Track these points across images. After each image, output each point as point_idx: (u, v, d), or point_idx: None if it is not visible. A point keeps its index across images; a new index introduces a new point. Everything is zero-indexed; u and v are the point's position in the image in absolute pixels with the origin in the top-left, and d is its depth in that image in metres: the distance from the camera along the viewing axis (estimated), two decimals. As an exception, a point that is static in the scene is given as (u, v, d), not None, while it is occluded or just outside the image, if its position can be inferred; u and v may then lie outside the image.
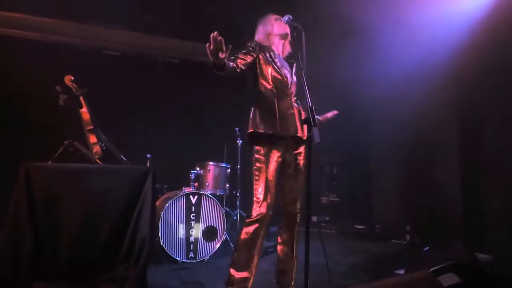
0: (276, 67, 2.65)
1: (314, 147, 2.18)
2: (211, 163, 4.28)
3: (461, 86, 4.29)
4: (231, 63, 2.36)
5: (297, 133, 2.63)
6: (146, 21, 5.15)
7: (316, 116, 2.26)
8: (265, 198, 2.50)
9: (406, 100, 4.67)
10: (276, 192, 2.59)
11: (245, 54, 2.56)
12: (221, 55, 2.16)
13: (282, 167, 2.64)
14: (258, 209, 2.48)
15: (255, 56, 2.61)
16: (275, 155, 2.56)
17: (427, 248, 3.85)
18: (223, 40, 2.14)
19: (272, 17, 2.80)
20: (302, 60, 2.55)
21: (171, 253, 3.62)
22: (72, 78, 3.27)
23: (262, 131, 2.55)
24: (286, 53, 2.86)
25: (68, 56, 4.78)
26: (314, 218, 5.85)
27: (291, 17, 2.59)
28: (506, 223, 3.56)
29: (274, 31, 2.77)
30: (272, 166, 2.54)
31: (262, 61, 2.64)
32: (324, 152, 6.11)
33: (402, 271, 3.25)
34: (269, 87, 2.63)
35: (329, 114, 2.91)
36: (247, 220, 2.52)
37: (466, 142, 4.30)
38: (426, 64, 4.27)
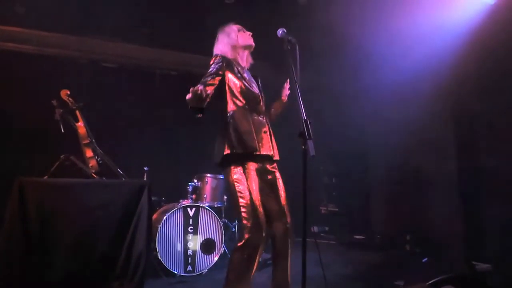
0: (245, 83, 2.56)
1: (309, 158, 2.16)
2: (208, 175, 4.27)
3: (457, 95, 4.30)
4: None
5: (271, 153, 2.54)
6: (144, 34, 5.18)
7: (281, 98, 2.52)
8: (255, 221, 2.35)
9: (403, 108, 4.69)
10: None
11: (213, 77, 2.46)
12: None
13: (261, 186, 2.53)
14: (250, 234, 2.33)
15: (221, 74, 2.50)
16: (254, 174, 2.45)
17: (426, 259, 3.82)
18: (204, 93, 2.25)
19: (235, 26, 2.70)
20: (296, 73, 2.56)
21: (168, 266, 3.58)
22: (68, 92, 3.27)
23: (241, 151, 2.41)
24: (248, 65, 2.75)
25: (65, 69, 4.80)
26: (315, 229, 5.84)
27: (285, 31, 2.59)
28: (505, 231, 3.55)
29: (239, 42, 2.66)
30: (254, 184, 2.43)
31: (230, 78, 2.52)
32: (322, 162, 6.10)
33: (402, 283, 3.22)
34: (241, 104, 2.51)
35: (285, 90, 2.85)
36: (239, 244, 2.35)
37: (464, 150, 4.30)
38: (421, 74, 4.29)
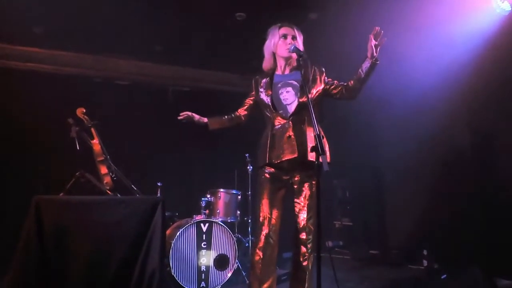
0: (263, 94, 2.74)
1: (323, 173, 2.15)
2: (221, 190, 4.27)
3: (471, 107, 4.25)
4: (232, 114, 2.90)
5: (297, 157, 2.54)
6: (157, 51, 5.27)
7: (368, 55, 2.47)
8: (257, 225, 2.65)
9: (417, 121, 4.64)
10: (281, 216, 2.65)
11: (247, 98, 2.90)
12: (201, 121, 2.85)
13: (286, 192, 2.70)
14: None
15: (251, 96, 2.86)
16: (268, 181, 2.66)
17: (445, 276, 3.72)
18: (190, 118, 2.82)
19: (278, 31, 2.71)
20: (308, 88, 2.57)
21: (182, 282, 3.56)
22: (84, 110, 3.33)
23: (261, 165, 2.71)
24: (293, 65, 2.74)
25: (80, 87, 4.90)
26: (329, 243, 5.76)
27: (296, 46, 2.61)
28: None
29: (277, 52, 2.73)
30: (266, 191, 2.65)
31: (256, 93, 2.81)
32: (335, 176, 6.05)
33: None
34: (267, 115, 2.74)
35: (369, 50, 2.49)
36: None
37: (482, 161, 4.22)
38: (437, 86, 4.25)
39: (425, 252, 4.66)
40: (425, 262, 4.64)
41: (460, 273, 3.53)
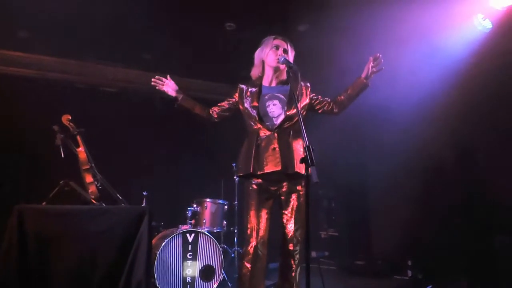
0: (248, 105, 2.69)
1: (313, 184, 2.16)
2: (208, 199, 4.23)
3: (455, 117, 4.34)
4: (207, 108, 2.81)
5: (282, 169, 2.54)
6: (144, 59, 5.23)
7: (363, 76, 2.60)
8: (245, 236, 2.62)
9: (403, 134, 4.70)
10: (269, 227, 2.61)
11: (225, 101, 2.84)
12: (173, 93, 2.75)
13: (274, 203, 2.67)
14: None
15: (231, 101, 2.81)
16: (254, 192, 2.63)
17: (431, 286, 3.75)
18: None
19: (272, 41, 2.74)
20: (298, 99, 2.60)
21: (167, 294, 3.51)
22: (70, 118, 3.26)
23: (241, 174, 2.68)
24: (281, 79, 2.76)
25: (65, 93, 4.83)
26: (314, 254, 5.75)
27: (287, 57, 2.64)
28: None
29: (267, 61, 2.73)
30: (253, 201, 2.61)
31: (240, 103, 2.75)
32: (321, 186, 6.07)
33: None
34: (252, 126, 2.67)
35: (365, 70, 2.65)
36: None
37: (465, 173, 4.30)
38: (422, 98, 4.32)
39: (409, 263, 4.71)
40: (409, 273, 4.68)
41: (445, 283, 3.57)
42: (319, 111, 2.80)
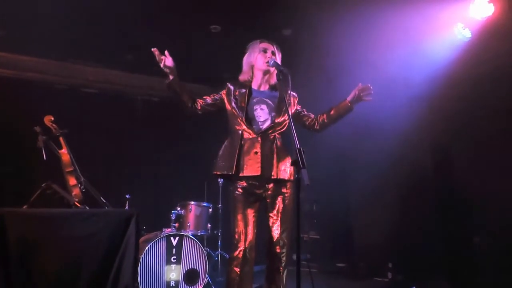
0: (236, 107, 2.67)
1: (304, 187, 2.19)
2: (192, 202, 4.19)
3: (434, 125, 4.46)
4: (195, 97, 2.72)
5: (264, 174, 2.55)
6: (126, 60, 5.16)
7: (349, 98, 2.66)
8: (232, 238, 2.59)
9: (383, 138, 4.79)
10: (256, 230, 2.59)
11: (211, 95, 2.77)
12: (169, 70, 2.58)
13: (260, 206, 2.66)
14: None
15: (217, 98, 2.76)
16: (239, 193, 2.61)
17: (414, 287, 3.84)
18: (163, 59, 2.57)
19: (259, 45, 2.75)
20: (289, 102, 2.62)
21: (150, 299, 3.45)
22: (52, 119, 3.17)
23: (219, 172, 2.68)
24: (270, 83, 2.77)
25: (44, 94, 4.70)
26: (294, 257, 5.77)
27: (276, 60, 2.65)
28: (488, 258, 3.63)
29: (257, 65, 2.73)
30: (238, 203, 2.59)
31: (227, 102, 2.71)
32: (302, 189, 6.09)
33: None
34: (236, 127, 2.65)
35: (352, 94, 2.72)
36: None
37: (443, 179, 4.42)
38: (401, 106, 4.42)
39: (390, 265, 4.79)
40: (390, 275, 4.76)
41: (426, 284, 3.65)
42: (302, 124, 2.85)
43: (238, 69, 2.85)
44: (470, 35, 3.89)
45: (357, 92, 2.70)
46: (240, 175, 2.57)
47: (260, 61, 2.71)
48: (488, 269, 3.67)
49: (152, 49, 2.57)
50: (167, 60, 2.60)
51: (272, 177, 2.57)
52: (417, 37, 4.08)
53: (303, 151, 2.21)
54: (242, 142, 2.60)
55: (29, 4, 3.82)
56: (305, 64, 4.43)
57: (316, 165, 5.34)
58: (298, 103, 2.85)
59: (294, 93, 2.81)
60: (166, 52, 2.61)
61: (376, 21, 3.88)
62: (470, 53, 3.89)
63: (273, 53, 2.73)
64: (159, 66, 2.61)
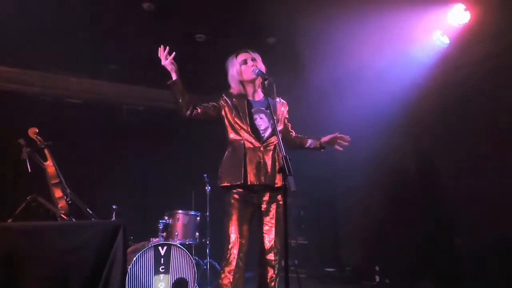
0: (237, 117, 2.68)
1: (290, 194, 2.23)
2: (180, 211, 4.16)
3: (416, 131, 4.56)
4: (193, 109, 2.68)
5: (267, 182, 2.60)
6: (110, 69, 5.13)
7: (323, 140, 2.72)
8: (226, 248, 2.57)
9: (370, 142, 4.86)
10: (249, 238, 2.59)
11: (209, 103, 2.74)
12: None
13: (254, 213, 2.66)
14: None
15: (217, 106, 2.73)
16: (236, 202, 2.60)
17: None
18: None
19: (238, 59, 2.76)
20: (274, 110, 2.66)
21: (139, 310, 3.42)
22: (37, 131, 3.13)
23: (228, 184, 2.61)
24: (260, 95, 2.79)
25: (27, 105, 4.64)
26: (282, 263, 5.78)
27: (258, 66, 2.68)
28: (473, 259, 3.71)
29: (243, 77, 2.74)
30: (235, 212, 2.57)
31: (226, 112, 2.71)
32: (289, 195, 6.11)
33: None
34: (238, 137, 2.66)
35: (328, 137, 2.83)
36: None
37: (425, 185, 4.51)
38: (382, 112, 4.50)
39: (377, 268, 4.84)
40: (377, 278, 4.81)
41: (413, 286, 3.70)
42: (285, 133, 2.90)
43: (223, 76, 2.84)
44: (448, 42, 4.01)
45: (333, 137, 2.81)
46: (248, 184, 2.58)
47: (246, 73, 2.73)
48: (473, 270, 3.74)
49: (160, 48, 2.64)
50: (170, 58, 2.64)
51: (276, 185, 2.61)
52: (399, 44, 4.18)
53: (289, 159, 2.24)
54: (246, 151, 2.62)
55: (12, 15, 3.78)
56: (289, 71, 4.49)
57: (304, 172, 5.41)
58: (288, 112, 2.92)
59: (283, 101, 2.88)
60: (171, 53, 2.66)
61: (360, 29, 3.95)
62: (449, 58, 4.01)
63: (253, 59, 2.75)
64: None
